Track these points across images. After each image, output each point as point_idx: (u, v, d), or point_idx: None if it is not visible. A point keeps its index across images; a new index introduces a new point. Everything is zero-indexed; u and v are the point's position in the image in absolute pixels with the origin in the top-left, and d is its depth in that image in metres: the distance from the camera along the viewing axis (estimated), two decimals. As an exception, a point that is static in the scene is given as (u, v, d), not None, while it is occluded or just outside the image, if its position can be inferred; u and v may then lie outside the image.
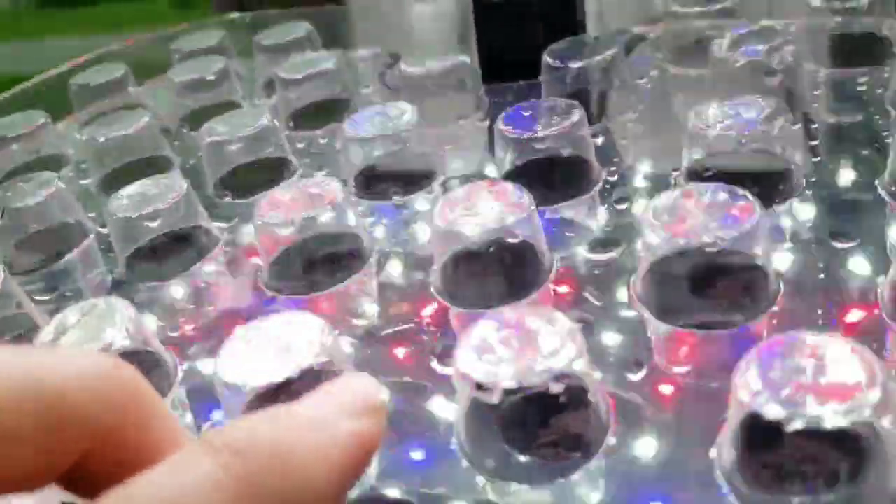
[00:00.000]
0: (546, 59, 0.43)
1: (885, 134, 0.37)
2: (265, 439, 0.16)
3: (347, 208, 0.36)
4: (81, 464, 0.17)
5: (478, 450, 0.26)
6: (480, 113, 0.47)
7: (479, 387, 0.24)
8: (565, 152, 0.38)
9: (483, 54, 0.50)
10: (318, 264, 0.36)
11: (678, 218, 0.29)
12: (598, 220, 0.37)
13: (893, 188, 0.32)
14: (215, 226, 0.40)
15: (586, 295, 0.33)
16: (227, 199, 0.44)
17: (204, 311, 0.38)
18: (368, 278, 0.36)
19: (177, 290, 0.38)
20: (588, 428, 0.25)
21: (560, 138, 0.37)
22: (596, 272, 0.34)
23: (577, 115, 0.37)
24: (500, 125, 0.38)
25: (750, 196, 0.29)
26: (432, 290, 0.32)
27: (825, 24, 0.43)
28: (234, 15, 0.64)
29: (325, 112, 0.50)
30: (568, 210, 0.37)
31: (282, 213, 0.35)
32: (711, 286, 0.29)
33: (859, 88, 0.41)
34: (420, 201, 0.40)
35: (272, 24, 0.59)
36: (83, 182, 0.50)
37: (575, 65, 0.42)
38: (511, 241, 0.32)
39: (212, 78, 0.53)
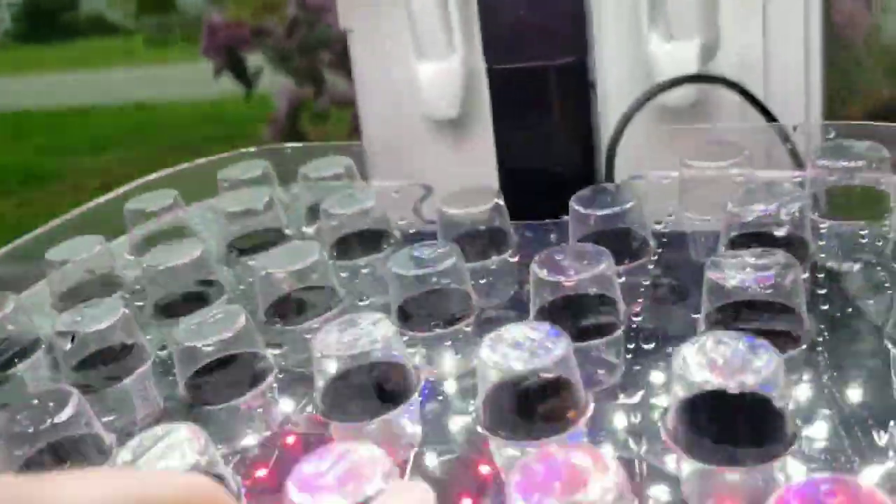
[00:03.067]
0: (572, 204, 0.48)
1: (886, 285, 0.41)
2: None
3: (395, 342, 0.39)
4: None
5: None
6: (511, 250, 0.51)
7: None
8: (593, 292, 0.42)
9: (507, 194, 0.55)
10: (367, 393, 0.39)
11: (706, 364, 0.32)
12: (625, 357, 0.41)
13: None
14: (269, 352, 0.43)
15: (617, 432, 0.36)
16: (278, 326, 0.47)
17: (257, 434, 0.41)
18: (413, 406, 0.39)
19: (233, 413, 0.41)
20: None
21: (590, 281, 0.41)
22: (627, 412, 0.37)
23: (606, 261, 0.41)
24: (534, 268, 0.42)
25: (769, 345, 0.32)
26: (478, 426, 0.35)
27: (827, 180, 0.48)
28: (274, 146, 0.69)
29: (365, 242, 0.54)
30: (597, 348, 0.40)
31: (337, 347, 0.39)
32: (736, 428, 0.32)
33: (861, 241, 0.45)
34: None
35: (310, 156, 0.64)
36: (138, 304, 0.53)
37: (598, 212, 0.47)
38: (549, 377, 0.35)
39: (259, 207, 0.57)
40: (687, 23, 0.70)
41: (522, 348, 0.35)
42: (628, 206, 0.47)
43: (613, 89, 0.72)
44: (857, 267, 0.45)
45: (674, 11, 0.69)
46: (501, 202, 0.51)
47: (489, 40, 0.56)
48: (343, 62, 0.97)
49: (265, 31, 1.12)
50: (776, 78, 0.71)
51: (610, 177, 0.60)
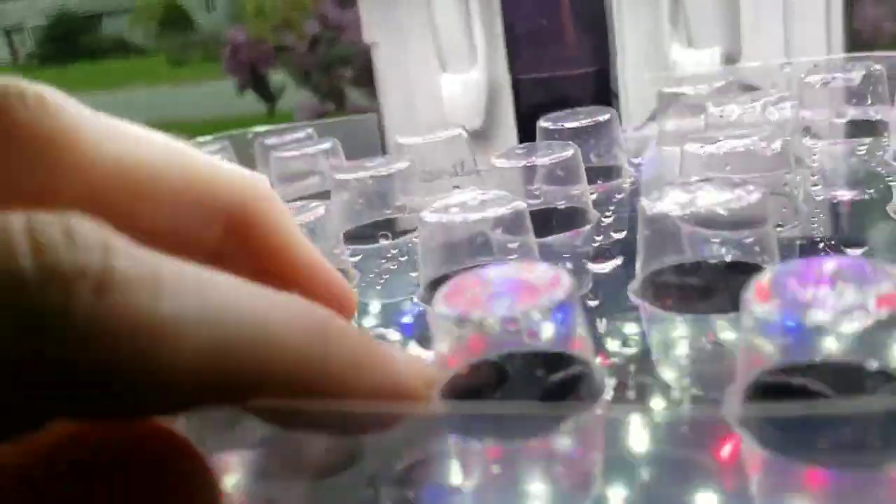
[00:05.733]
0: (540, 123, 0.45)
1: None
2: None
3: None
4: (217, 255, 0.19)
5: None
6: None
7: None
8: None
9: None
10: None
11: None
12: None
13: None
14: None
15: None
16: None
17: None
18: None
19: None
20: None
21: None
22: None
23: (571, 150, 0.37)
24: (494, 160, 0.38)
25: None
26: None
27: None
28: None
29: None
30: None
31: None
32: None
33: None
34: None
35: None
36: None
37: (569, 124, 0.43)
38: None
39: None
40: (708, 30, 0.71)
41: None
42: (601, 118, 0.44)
43: (634, 98, 0.73)
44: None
45: (694, 19, 0.71)
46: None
47: (514, 51, 0.61)
48: (363, 78, 0.98)
49: (287, 49, 1.14)
50: (798, 87, 0.72)
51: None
